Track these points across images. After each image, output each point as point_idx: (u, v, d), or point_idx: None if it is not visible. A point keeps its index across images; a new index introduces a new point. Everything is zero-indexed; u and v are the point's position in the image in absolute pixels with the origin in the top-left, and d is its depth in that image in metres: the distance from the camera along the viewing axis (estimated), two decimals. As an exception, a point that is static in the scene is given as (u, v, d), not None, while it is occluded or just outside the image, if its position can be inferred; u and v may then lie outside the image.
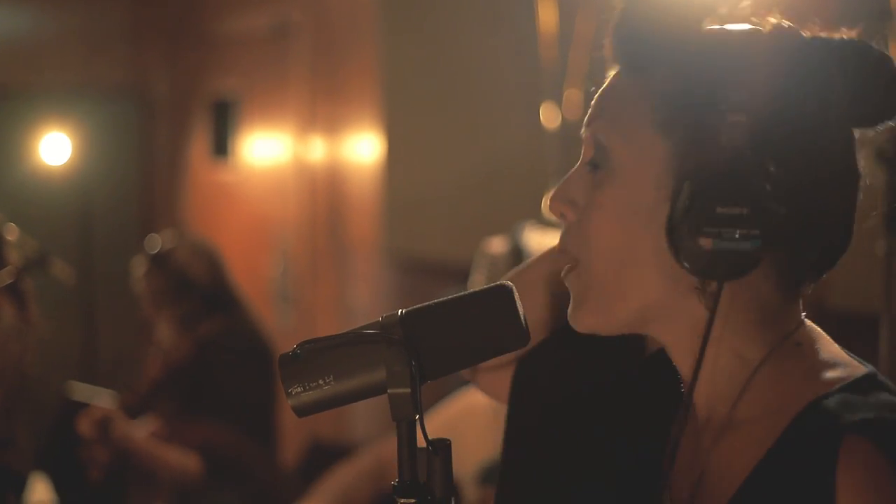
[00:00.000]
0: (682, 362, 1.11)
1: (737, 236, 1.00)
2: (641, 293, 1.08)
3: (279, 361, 1.07)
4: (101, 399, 3.66)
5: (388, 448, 2.61)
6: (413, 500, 1.05)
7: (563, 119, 3.71)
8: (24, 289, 4.32)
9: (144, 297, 3.73)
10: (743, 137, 1.02)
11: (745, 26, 1.09)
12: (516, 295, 1.06)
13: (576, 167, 1.13)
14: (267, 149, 6.08)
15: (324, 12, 5.46)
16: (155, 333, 3.80)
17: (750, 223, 1.00)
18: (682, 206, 1.02)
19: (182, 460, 3.42)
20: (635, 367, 1.23)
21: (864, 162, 1.11)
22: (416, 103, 4.74)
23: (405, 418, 1.05)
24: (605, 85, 1.12)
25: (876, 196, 2.22)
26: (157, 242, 3.78)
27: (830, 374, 1.06)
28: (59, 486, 4.57)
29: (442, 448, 1.06)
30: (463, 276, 2.63)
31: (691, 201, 1.01)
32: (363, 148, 5.10)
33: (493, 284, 1.07)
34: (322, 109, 5.48)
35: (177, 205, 6.98)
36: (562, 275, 1.13)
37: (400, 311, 1.06)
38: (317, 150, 5.56)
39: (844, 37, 1.09)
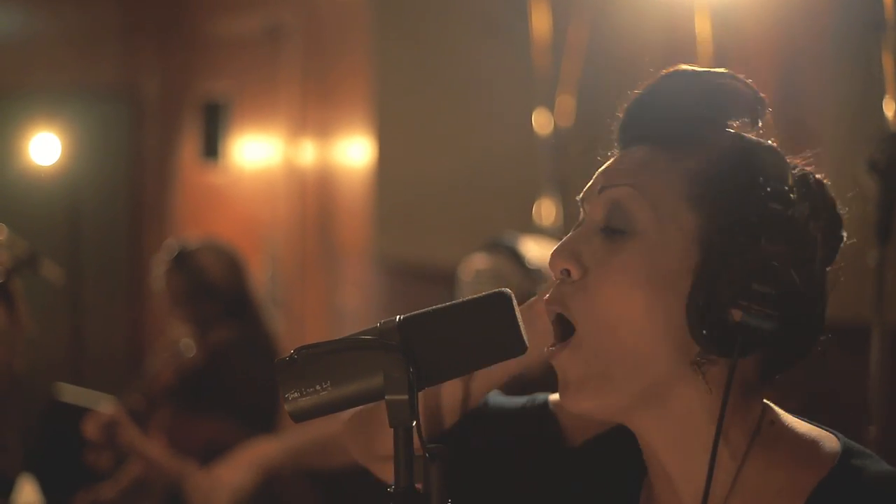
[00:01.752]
0: (668, 451, 1.11)
1: (762, 314, 1.03)
2: (648, 366, 1.07)
3: (276, 367, 1.07)
4: (104, 403, 3.65)
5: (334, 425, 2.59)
6: (409, 508, 1.05)
7: (556, 125, 3.72)
8: (14, 289, 4.32)
9: (162, 297, 3.72)
10: (781, 223, 1.06)
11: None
12: (515, 303, 1.06)
13: (582, 228, 1.12)
14: (257, 151, 6.07)
15: (316, 15, 5.46)
16: (168, 333, 3.79)
17: (775, 305, 1.04)
18: (716, 276, 1.05)
19: (185, 468, 3.41)
20: (564, 455, 1.21)
21: (852, 172, 1.16)
22: (408, 108, 4.74)
23: (402, 424, 1.05)
24: (623, 155, 1.14)
25: (867, 206, 2.22)
26: (180, 243, 3.77)
27: (817, 454, 1.09)
28: (47, 488, 4.56)
29: (438, 455, 1.06)
30: (453, 281, 2.62)
31: (727, 273, 1.04)
32: (354, 152, 5.09)
33: (491, 291, 1.07)
34: (313, 112, 5.47)
35: (166, 206, 6.96)
36: (547, 351, 1.12)
37: (398, 317, 1.06)
38: (307, 153, 5.55)
39: (823, 180, 1.14)
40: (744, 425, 1.09)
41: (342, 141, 5.24)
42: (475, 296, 1.08)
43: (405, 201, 4.75)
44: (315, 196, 5.49)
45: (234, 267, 3.70)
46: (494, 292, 1.07)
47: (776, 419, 1.11)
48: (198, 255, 3.64)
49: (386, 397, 1.04)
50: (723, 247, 1.05)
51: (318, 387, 1.06)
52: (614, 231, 1.10)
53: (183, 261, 3.62)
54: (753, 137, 1.13)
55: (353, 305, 5.18)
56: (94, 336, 6.87)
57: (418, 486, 1.06)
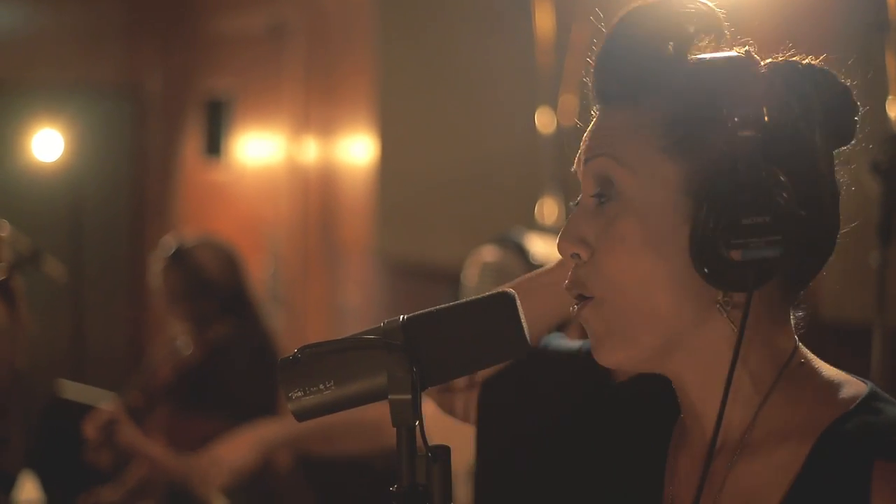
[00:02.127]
0: (697, 390, 1.12)
1: (762, 244, 1.03)
2: (667, 319, 1.08)
3: (279, 366, 1.07)
4: (105, 400, 3.65)
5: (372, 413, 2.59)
6: (412, 507, 1.05)
7: (559, 124, 3.72)
8: (15, 286, 4.32)
9: (160, 294, 3.72)
10: (756, 149, 1.05)
11: (724, 54, 1.12)
12: (518, 303, 1.06)
13: (579, 207, 1.13)
14: (260, 149, 6.07)
15: (319, 13, 5.46)
16: (166, 330, 3.79)
17: (773, 230, 1.03)
18: (706, 223, 1.04)
19: (184, 466, 3.41)
20: (606, 394, 1.24)
21: (854, 174, 1.15)
22: (411, 106, 4.74)
23: (405, 424, 1.05)
24: (592, 124, 1.14)
25: (869, 206, 2.22)
26: (177, 240, 3.77)
27: (840, 395, 1.08)
28: (48, 485, 4.57)
29: (441, 455, 1.06)
30: (455, 279, 2.63)
31: (716, 216, 1.04)
32: (357, 149, 5.10)
33: (495, 292, 1.07)
34: (316, 110, 5.47)
35: (168, 203, 6.97)
36: (572, 312, 1.13)
37: (402, 316, 1.06)
38: (310, 150, 5.55)
39: (811, 62, 1.13)
40: (772, 360, 1.10)
41: (345, 139, 5.24)
42: (479, 296, 1.08)
43: (407, 199, 4.75)
44: (317, 194, 5.49)
45: (231, 264, 3.70)
46: (498, 292, 1.07)
47: (807, 360, 1.11)
48: (195, 253, 3.65)
49: (389, 397, 1.04)
50: (705, 189, 1.06)
51: (321, 386, 1.06)
52: (605, 203, 1.11)
53: (180, 258, 3.63)
54: (717, 55, 1.11)
55: (355, 303, 5.19)
56: (96, 333, 6.87)
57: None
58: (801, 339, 1.13)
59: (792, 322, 1.13)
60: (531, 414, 1.31)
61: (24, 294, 4.34)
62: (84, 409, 3.56)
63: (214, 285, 3.61)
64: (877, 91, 2.28)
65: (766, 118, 1.06)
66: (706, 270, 1.05)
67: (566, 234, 1.12)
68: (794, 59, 1.13)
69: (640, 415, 1.20)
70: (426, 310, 1.08)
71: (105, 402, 3.55)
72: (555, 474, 1.26)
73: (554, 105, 3.69)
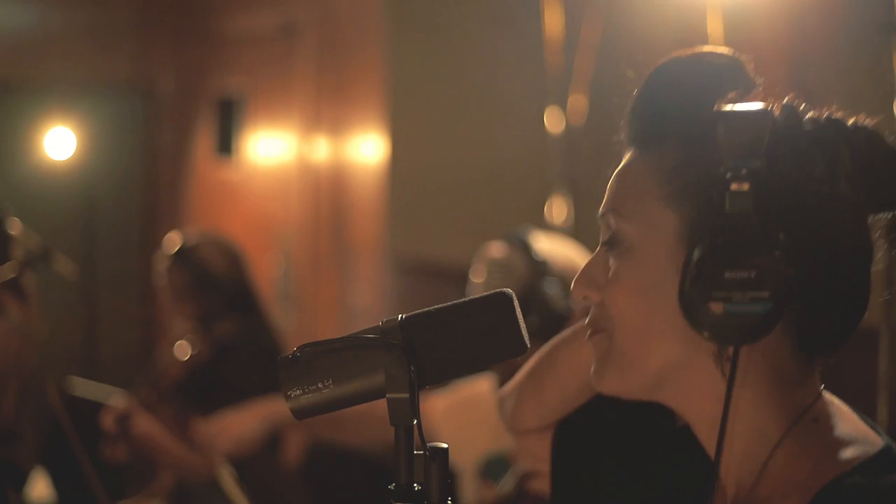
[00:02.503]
0: (705, 436, 1.13)
1: (747, 300, 1.02)
2: (661, 357, 1.11)
3: (279, 364, 1.08)
4: (116, 397, 3.66)
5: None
6: (410, 506, 1.06)
7: (568, 124, 3.72)
8: (26, 284, 4.34)
9: (165, 293, 3.73)
10: (747, 204, 1.04)
11: (745, 106, 1.11)
12: (516, 303, 1.07)
13: (595, 254, 1.17)
14: (271, 148, 6.08)
15: (330, 12, 5.47)
16: (172, 329, 3.80)
17: (759, 286, 1.02)
18: (692, 273, 1.05)
19: (197, 459, 3.42)
20: (668, 437, 1.25)
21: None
22: (422, 105, 4.75)
23: (403, 423, 1.05)
24: (620, 167, 1.17)
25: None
26: (180, 238, 3.78)
27: (846, 454, 1.07)
28: (58, 482, 4.59)
29: (439, 454, 1.06)
30: (465, 278, 2.64)
31: (700, 268, 1.04)
32: (367, 149, 5.10)
33: (493, 291, 1.08)
34: (327, 109, 5.48)
35: (180, 202, 6.98)
36: (586, 337, 1.17)
37: (400, 315, 1.07)
38: (321, 149, 5.56)
39: (860, 122, 1.11)
40: (780, 417, 1.09)
41: (356, 138, 5.25)
42: (477, 296, 1.08)
43: (418, 198, 4.76)
44: (328, 193, 5.50)
45: (234, 260, 3.71)
46: (497, 292, 1.07)
47: (822, 416, 1.10)
48: (198, 250, 3.65)
49: (387, 395, 1.05)
50: (695, 239, 1.06)
51: (319, 384, 1.06)
52: (612, 250, 1.14)
53: (184, 256, 3.63)
54: (738, 107, 1.10)
55: (366, 302, 5.19)
56: (108, 330, 6.89)
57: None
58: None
59: (818, 374, 1.12)
60: (598, 455, 1.34)
61: (35, 292, 4.37)
62: (94, 407, 3.58)
63: (219, 282, 3.61)
64: (885, 92, 2.28)
65: (767, 172, 1.05)
66: (693, 321, 1.05)
67: (579, 279, 1.16)
68: (837, 116, 1.11)
69: (691, 459, 1.20)
70: (424, 309, 1.08)
71: (117, 398, 3.56)
72: None
73: (563, 104, 3.70)
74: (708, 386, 1.10)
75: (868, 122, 1.11)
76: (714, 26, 2.98)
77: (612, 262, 1.14)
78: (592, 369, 1.16)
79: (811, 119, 1.11)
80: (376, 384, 1.05)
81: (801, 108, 1.12)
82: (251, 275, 3.78)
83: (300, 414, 1.08)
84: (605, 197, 1.16)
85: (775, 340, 1.07)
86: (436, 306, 1.08)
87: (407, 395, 1.04)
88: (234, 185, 6.40)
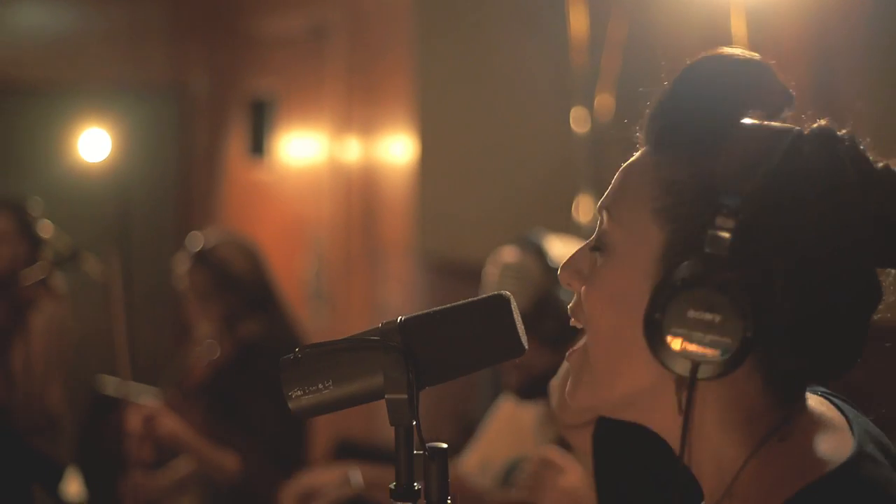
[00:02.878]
0: (675, 448, 1.10)
1: (707, 342, 0.98)
2: (629, 380, 1.07)
3: (281, 365, 1.10)
4: (145, 395, 3.69)
5: None
6: (410, 505, 1.07)
7: (594, 123, 3.72)
8: (59, 285, 4.40)
9: (187, 294, 3.74)
10: (724, 245, 0.99)
11: (784, 126, 1.06)
12: (514, 305, 1.08)
13: (584, 244, 1.13)
14: (303, 148, 6.12)
15: (360, 13, 5.49)
16: (195, 331, 3.81)
17: (721, 331, 0.98)
18: (658, 301, 1.01)
19: (223, 459, 3.44)
20: None
21: None
22: (450, 105, 4.76)
23: (403, 423, 1.07)
24: (626, 164, 1.12)
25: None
26: (199, 239, 3.80)
27: (808, 469, 1.02)
28: (89, 480, 4.64)
29: (438, 454, 1.08)
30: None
31: (667, 297, 1.00)
32: (397, 149, 5.12)
33: (491, 294, 1.09)
34: (358, 110, 5.51)
35: (213, 203, 7.03)
36: (566, 354, 1.14)
37: (399, 318, 1.08)
38: (352, 150, 5.59)
39: (888, 165, 1.04)
40: (747, 441, 1.05)
41: (386, 138, 5.27)
42: (475, 298, 1.09)
43: (446, 198, 4.77)
44: (360, 193, 5.52)
45: (254, 259, 3.72)
46: (494, 295, 1.09)
47: (792, 435, 1.04)
48: (218, 250, 3.66)
49: (386, 396, 1.06)
50: (670, 265, 1.02)
51: (320, 385, 1.08)
52: (597, 248, 1.10)
53: (204, 256, 3.64)
54: (759, 125, 1.05)
55: (397, 301, 5.21)
56: (143, 331, 6.94)
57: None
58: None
59: (801, 396, 1.07)
60: (640, 448, 1.33)
61: (67, 292, 4.41)
62: (124, 405, 3.61)
63: (240, 281, 3.62)
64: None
65: (763, 208, 1.00)
66: (652, 348, 1.01)
67: (566, 266, 1.13)
68: (865, 156, 1.04)
69: None
70: (424, 311, 1.10)
71: (143, 398, 3.59)
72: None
73: (589, 104, 3.70)
74: (672, 410, 1.06)
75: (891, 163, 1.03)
76: (738, 24, 2.98)
77: (596, 261, 1.10)
78: (568, 385, 1.12)
79: (834, 154, 1.03)
80: (375, 385, 1.07)
81: (828, 133, 1.04)
82: (271, 273, 3.79)
83: (302, 414, 1.10)
84: (608, 190, 1.12)
85: (744, 375, 1.02)
86: (435, 308, 1.10)
87: (405, 396, 1.06)
88: (267, 185, 6.44)
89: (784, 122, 1.07)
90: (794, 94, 1.09)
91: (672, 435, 1.09)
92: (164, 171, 7.09)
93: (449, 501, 1.08)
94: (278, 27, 6.27)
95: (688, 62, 1.09)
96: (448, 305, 1.10)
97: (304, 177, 6.08)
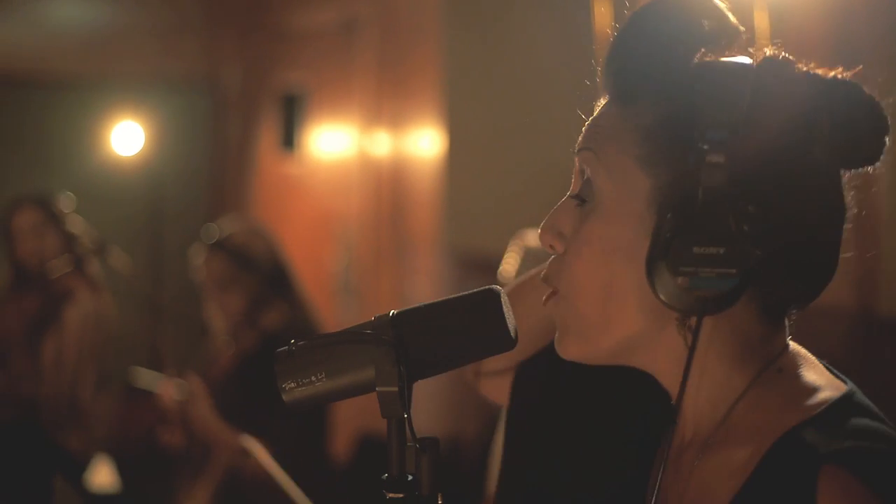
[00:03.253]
0: (669, 387, 1.13)
1: (714, 275, 1.02)
2: (624, 326, 1.09)
3: (275, 358, 1.11)
4: (177, 382, 3.71)
5: None
6: (401, 496, 1.09)
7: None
8: (96, 276, 4.45)
9: (206, 286, 3.74)
10: (721, 177, 1.02)
11: (737, 59, 1.08)
12: (504, 300, 1.09)
13: (564, 198, 1.14)
14: (332, 142, 6.14)
15: (390, 8, 5.51)
16: (215, 323, 3.82)
17: (727, 263, 1.02)
18: (661, 245, 1.03)
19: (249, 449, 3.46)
20: (626, 381, 1.23)
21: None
22: (478, 100, 4.77)
23: (394, 416, 1.08)
24: (597, 112, 1.14)
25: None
26: (214, 230, 3.82)
27: (808, 401, 1.06)
28: (123, 470, 4.69)
29: (430, 446, 1.09)
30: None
31: (669, 240, 1.03)
32: (426, 143, 5.14)
33: (482, 288, 1.10)
34: (387, 104, 5.52)
35: (245, 196, 7.07)
36: (542, 301, 1.15)
37: (391, 311, 1.10)
38: (382, 144, 5.61)
39: (839, 76, 1.09)
40: (743, 371, 1.09)
41: (415, 132, 5.29)
42: (466, 292, 1.10)
43: (474, 192, 4.78)
44: (389, 186, 5.54)
45: (270, 243, 3.73)
46: (484, 289, 1.09)
47: (787, 366, 1.09)
48: (235, 236, 3.66)
49: (377, 389, 1.07)
50: (665, 209, 1.05)
51: (313, 378, 1.09)
52: (583, 200, 1.11)
53: (221, 244, 3.65)
54: (719, 62, 1.08)
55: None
56: (175, 324, 6.99)
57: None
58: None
59: (786, 327, 1.11)
60: (554, 397, 1.33)
61: (104, 285, 4.46)
62: (157, 398, 3.64)
63: (259, 263, 3.61)
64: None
65: (744, 140, 1.03)
66: (658, 291, 1.04)
67: (545, 226, 1.14)
68: (816, 70, 1.09)
69: (649, 402, 1.20)
70: (416, 305, 1.11)
71: (175, 385, 3.61)
72: (565, 456, 1.28)
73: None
74: (672, 351, 1.09)
75: (847, 75, 1.09)
76: (761, 17, 2.96)
77: (581, 215, 1.11)
78: (556, 336, 1.14)
79: (790, 78, 1.08)
80: (367, 378, 1.08)
81: (782, 61, 1.08)
82: (288, 259, 3.80)
83: (295, 407, 1.11)
84: (582, 137, 1.13)
85: (741, 306, 1.06)
86: (427, 302, 1.11)
87: (396, 389, 1.07)
88: (297, 179, 6.47)
89: (733, 55, 1.09)
90: (741, 27, 1.11)
91: (670, 375, 1.11)
92: (196, 164, 7.14)
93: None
94: (309, 22, 6.30)
95: (637, 7, 1.11)
96: (440, 299, 1.11)
97: (333, 170, 6.11)
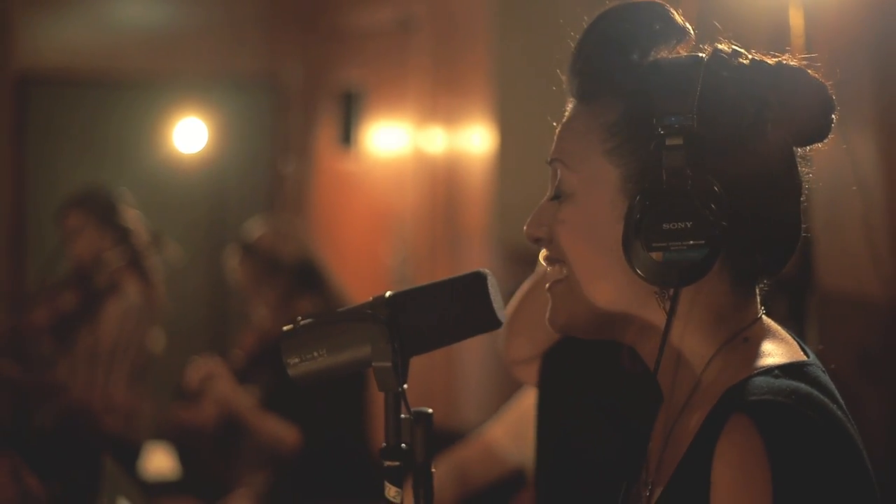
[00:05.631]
0: (649, 360, 1.23)
1: (684, 248, 1.12)
2: (608, 299, 1.19)
3: (281, 335, 1.21)
4: (210, 358, 3.84)
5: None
6: (397, 463, 1.18)
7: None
8: (150, 269, 4.58)
9: (241, 285, 3.95)
10: (681, 159, 1.13)
11: (688, 55, 1.20)
12: (491, 282, 1.18)
13: (544, 199, 1.25)
14: (389, 139, 6.24)
15: (444, 8, 5.59)
16: (254, 317, 3.97)
17: (695, 235, 1.12)
18: (633, 225, 1.14)
19: (281, 430, 3.57)
20: (634, 362, 1.35)
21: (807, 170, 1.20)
22: (528, 98, 4.82)
23: (390, 389, 1.17)
24: (564, 120, 1.26)
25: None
26: (246, 232, 4.00)
27: (760, 362, 1.16)
28: (183, 455, 4.82)
29: (423, 418, 1.18)
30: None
31: (640, 220, 1.14)
32: (478, 140, 5.21)
33: (471, 272, 1.19)
34: (442, 101, 5.61)
35: (305, 192, 7.18)
36: (546, 286, 1.25)
37: (387, 292, 1.19)
38: (436, 140, 5.69)
39: (783, 61, 1.19)
40: (714, 339, 1.18)
41: (468, 129, 5.36)
42: (455, 276, 1.19)
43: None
44: (443, 182, 5.62)
45: (297, 242, 3.90)
46: (473, 273, 1.19)
47: (753, 336, 1.19)
48: (262, 240, 3.85)
49: (373, 364, 1.17)
50: (634, 193, 1.15)
51: (315, 353, 1.19)
52: (557, 198, 1.22)
53: (250, 248, 3.85)
54: (671, 58, 1.20)
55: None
56: (238, 318, 7.13)
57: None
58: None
59: (756, 298, 1.21)
60: (576, 379, 1.50)
61: (159, 277, 4.58)
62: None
63: (285, 264, 3.79)
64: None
65: (699, 124, 1.13)
66: (635, 267, 1.15)
67: (529, 223, 1.25)
68: (762, 58, 1.20)
69: (645, 380, 1.29)
70: (411, 287, 1.20)
71: (208, 360, 3.73)
72: (579, 429, 1.45)
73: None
74: (652, 322, 1.19)
75: (792, 60, 1.19)
76: (796, 17, 3.01)
77: (558, 209, 1.22)
78: (548, 308, 1.23)
79: (739, 66, 1.18)
80: (364, 354, 1.17)
81: (729, 52, 1.19)
82: (317, 252, 3.96)
83: (300, 381, 1.21)
84: (554, 144, 1.25)
85: (713, 276, 1.16)
86: (421, 284, 1.20)
87: (390, 364, 1.16)
88: (355, 175, 6.58)
89: (680, 53, 1.21)
90: (689, 27, 1.22)
91: (650, 346, 1.20)
92: (258, 160, 7.25)
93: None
94: (367, 21, 6.40)
95: (594, 16, 1.23)
96: (433, 282, 1.20)
97: (390, 167, 6.20)
